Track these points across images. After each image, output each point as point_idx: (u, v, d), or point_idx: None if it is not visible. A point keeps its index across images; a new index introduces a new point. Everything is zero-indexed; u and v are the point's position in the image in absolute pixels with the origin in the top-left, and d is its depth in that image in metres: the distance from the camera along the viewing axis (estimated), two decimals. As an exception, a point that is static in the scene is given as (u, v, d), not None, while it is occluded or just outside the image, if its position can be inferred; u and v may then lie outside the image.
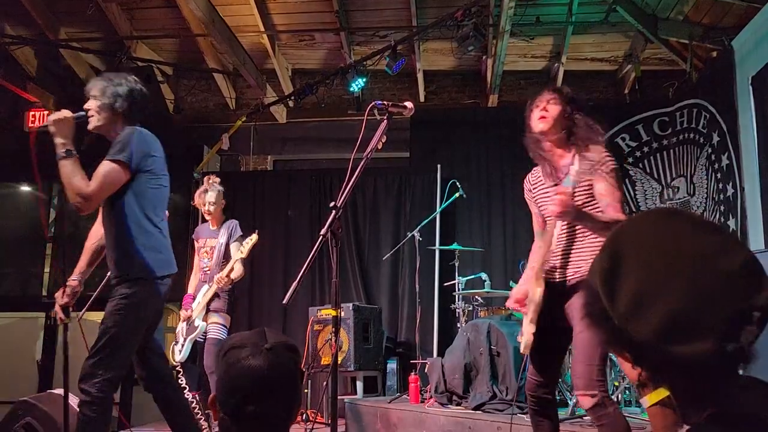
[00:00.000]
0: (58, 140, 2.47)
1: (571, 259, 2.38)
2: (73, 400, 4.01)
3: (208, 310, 4.32)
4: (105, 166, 2.54)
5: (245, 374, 1.30)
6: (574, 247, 2.38)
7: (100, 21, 6.08)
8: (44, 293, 6.65)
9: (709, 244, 0.89)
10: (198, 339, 4.33)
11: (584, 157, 2.24)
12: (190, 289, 4.51)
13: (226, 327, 4.37)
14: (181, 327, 4.43)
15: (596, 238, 2.29)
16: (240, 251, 4.27)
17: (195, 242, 4.62)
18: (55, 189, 6.96)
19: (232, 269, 4.25)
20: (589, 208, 2.31)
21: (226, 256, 4.39)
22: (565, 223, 2.35)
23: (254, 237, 4.31)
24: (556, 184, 2.38)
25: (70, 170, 2.47)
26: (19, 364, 6.00)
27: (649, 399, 1.13)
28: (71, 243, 6.79)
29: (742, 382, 0.90)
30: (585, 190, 2.33)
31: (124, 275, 2.60)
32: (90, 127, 2.63)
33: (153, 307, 2.71)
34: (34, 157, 2.50)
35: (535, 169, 2.59)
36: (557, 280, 2.39)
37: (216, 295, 4.32)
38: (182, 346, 4.35)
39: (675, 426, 0.98)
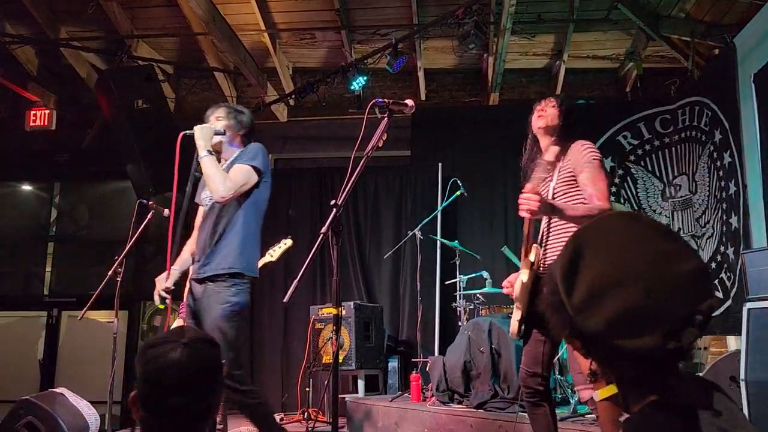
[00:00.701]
0: (200, 143, 2.87)
1: (546, 253, 2.53)
2: (70, 396, 4.04)
3: None
4: (243, 168, 2.90)
5: (165, 368, 1.34)
6: (549, 241, 2.54)
7: (100, 20, 6.07)
8: (45, 292, 6.65)
9: (666, 249, 0.96)
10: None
11: (540, 163, 2.41)
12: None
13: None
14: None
15: (565, 233, 2.42)
16: (270, 254, 4.18)
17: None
18: (56, 188, 6.97)
19: None
20: (569, 197, 2.45)
21: None
22: (546, 218, 2.51)
23: (288, 242, 4.19)
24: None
25: (213, 165, 2.83)
26: (21, 363, 6.00)
27: (601, 394, 1.19)
28: (72, 242, 6.82)
29: (680, 375, 0.98)
30: (566, 182, 2.46)
31: (228, 269, 2.86)
32: (214, 142, 2.95)
33: (248, 305, 2.98)
34: (177, 157, 2.82)
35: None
36: (541, 272, 2.52)
37: None
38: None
39: (619, 417, 1.05)
